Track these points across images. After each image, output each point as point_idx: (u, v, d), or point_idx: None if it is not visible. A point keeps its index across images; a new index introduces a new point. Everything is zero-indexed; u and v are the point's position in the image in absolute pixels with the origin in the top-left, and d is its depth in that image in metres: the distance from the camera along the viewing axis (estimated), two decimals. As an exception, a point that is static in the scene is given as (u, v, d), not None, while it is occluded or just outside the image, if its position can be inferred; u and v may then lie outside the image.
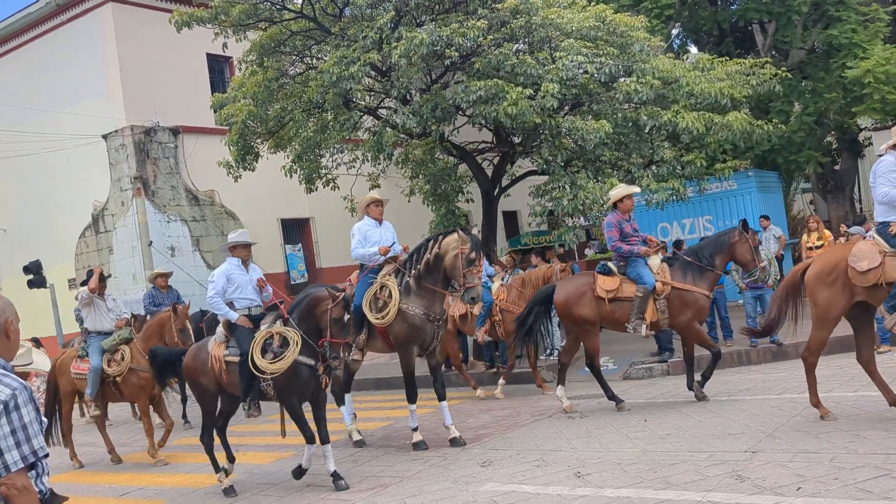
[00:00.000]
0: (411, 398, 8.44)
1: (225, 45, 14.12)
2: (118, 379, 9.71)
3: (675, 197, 13.26)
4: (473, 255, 8.15)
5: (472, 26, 11.78)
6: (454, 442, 8.21)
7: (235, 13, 13.30)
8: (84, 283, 10.55)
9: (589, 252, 23.30)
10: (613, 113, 12.87)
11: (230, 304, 7.83)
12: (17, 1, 33.40)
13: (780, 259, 14.76)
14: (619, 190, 9.49)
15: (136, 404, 11.33)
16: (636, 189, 9.95)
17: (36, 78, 21.03)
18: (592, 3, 13.68)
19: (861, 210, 24.84)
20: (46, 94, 20.46)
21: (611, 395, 9.22)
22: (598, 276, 9.20)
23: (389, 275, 8.54)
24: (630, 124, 13.16)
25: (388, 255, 8.68)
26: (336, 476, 7.23)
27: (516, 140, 14.45)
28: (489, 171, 15.56)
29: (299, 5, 13.94)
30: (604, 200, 12.32)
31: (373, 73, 13.38)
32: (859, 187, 26.60)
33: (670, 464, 6.45)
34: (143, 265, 19.48)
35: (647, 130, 12.97)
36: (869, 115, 18.41)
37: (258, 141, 15.38)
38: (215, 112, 15.28)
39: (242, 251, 8.02)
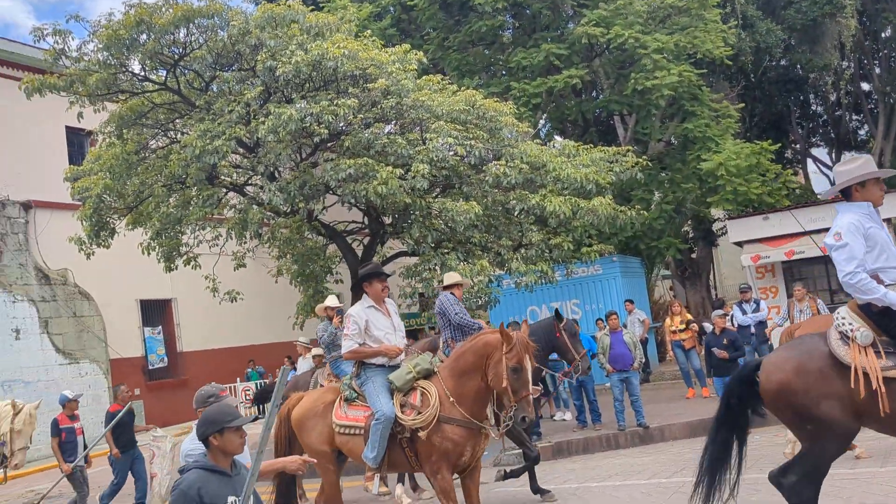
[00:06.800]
0: None
1: (80, 115, 13.44)
2: (420, 434, 6.12)
3: (543, 280, 13.39)
4: None
5: (342, 104, 11.66)
6: None
7: (93, 82, 12.64)
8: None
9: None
10: (483, 195, 12.94)
11: (875, 278, 4.92)
12: None
13: (644, 342, 15.06)
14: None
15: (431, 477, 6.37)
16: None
17: None
18: (462, 89, 13.89)
19: (716, 296, 26.01)
20: None
21: None
22: None
23: None
24: (499, 207, 13.28)
25: None
26: None
27: (387, 220, 14.29)
28: (359, 252, 15.28)
29: (163, 77, 13.46)
30: (474, 282, 12.27)
31: (239, 148, 12.99)
32: (714, 274, 27.93)
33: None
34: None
35: (515, 213, 13.09)
36: (722, 206, 19.44)
37: (115, 216, 14.55)
38: (70, 185, 14.41)
39: (876, 191, 5.11)
